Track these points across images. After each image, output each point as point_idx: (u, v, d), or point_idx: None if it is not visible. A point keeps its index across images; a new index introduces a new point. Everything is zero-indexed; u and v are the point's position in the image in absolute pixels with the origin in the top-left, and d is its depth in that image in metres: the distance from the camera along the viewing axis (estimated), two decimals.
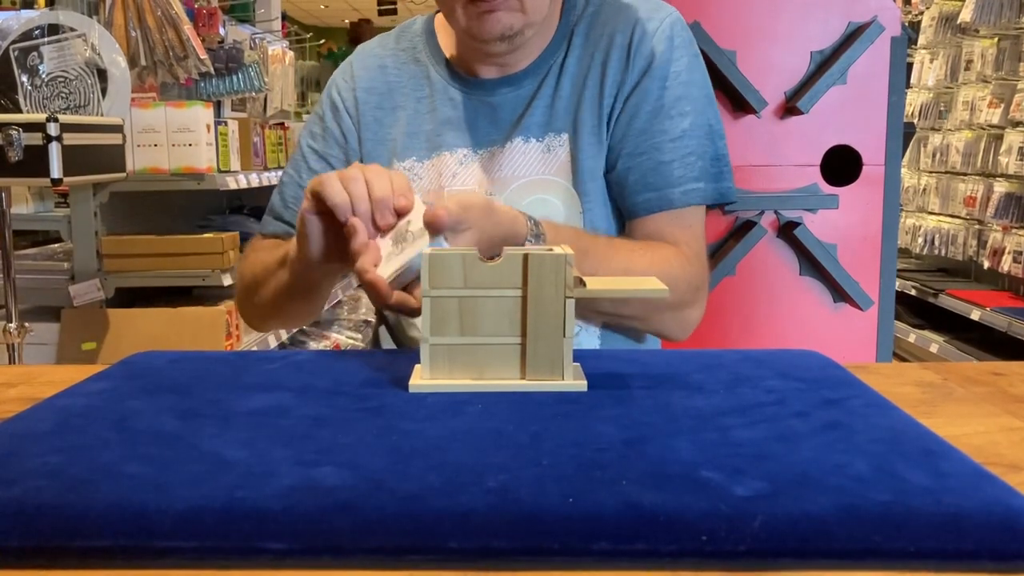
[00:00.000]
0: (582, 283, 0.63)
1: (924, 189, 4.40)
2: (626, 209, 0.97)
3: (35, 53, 2.11)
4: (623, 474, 0.46)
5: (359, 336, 3.70)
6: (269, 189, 1.41)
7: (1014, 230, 3.61)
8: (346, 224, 0.72)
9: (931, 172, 4.35)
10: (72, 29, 2.15)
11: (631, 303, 0.90)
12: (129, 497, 0.44)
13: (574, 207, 0.95)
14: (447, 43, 1.01)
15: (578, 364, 0.65)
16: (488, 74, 0.98)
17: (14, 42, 2.09)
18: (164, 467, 0.47)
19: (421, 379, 0.63)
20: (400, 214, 0.73)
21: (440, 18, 1.03)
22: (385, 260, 0.71)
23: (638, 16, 0.97)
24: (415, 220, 0.71)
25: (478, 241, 0.72)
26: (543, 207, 0.95)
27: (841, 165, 1.68)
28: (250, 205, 3.11)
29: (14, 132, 1.77)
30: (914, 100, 4.49)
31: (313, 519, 0.42)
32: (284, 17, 4.65)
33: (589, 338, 0.96)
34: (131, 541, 0.41)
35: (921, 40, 4.41)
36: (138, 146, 2.36)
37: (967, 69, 4.01)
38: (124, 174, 2.14)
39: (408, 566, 0.41)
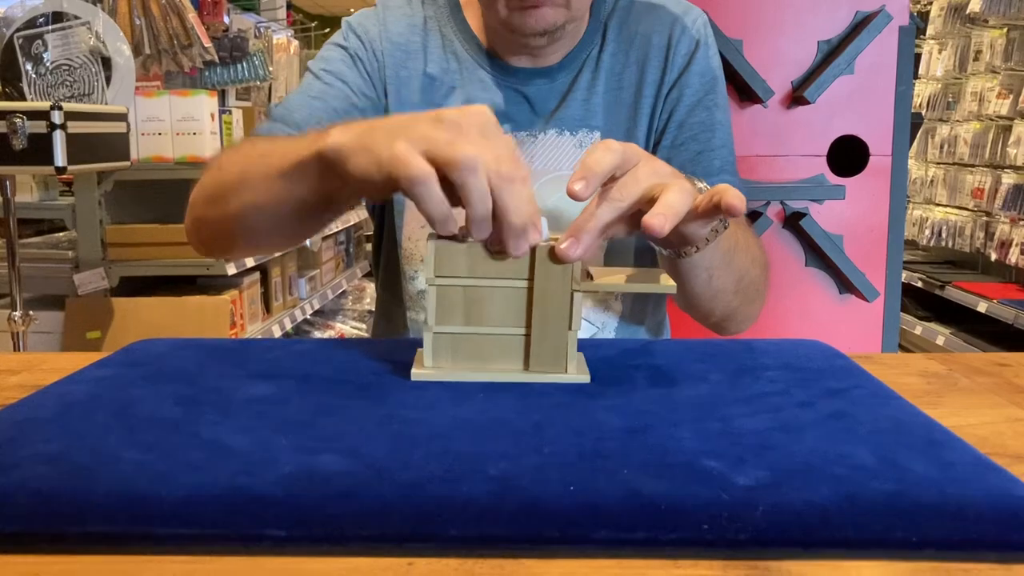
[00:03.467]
0: (589, 276, 0.63)
1: (932, 181, 4.38)
2: None
3: (39, 41, 2.10)
4: (625, 463, 0.46)
5: (363, 326, 3.70)
6: None
7: (1022, 222, 3.59)
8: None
9: (939, 163, 4.33)
10: (76, 17, 2.14)
11: (756, 274, 0.86)
12: (130, 483, 0.44)
13: None
14: (475, 23, 0.97)
15: (581, 354, 0.65)
16: (520, 63, 0.96)
17: (18, 30, 2.09)
18: (165, 454, 0.47)
19: (423, 368, 0.63)
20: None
21: None
22: None
23: (672, 16, 0.97)
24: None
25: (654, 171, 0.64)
26: (571, 203, 0.92)
27: (848, 155, 1.67)
28: None
29: (18, 120, 1.77)
30: (922, 91, 4.46)
31: (314, 506, 0.42)
32: (289, 6, 4.64)
33: (605, 335, 0.96)
34: (131, 527, 0.41)
35: (930, 30, 4.38)
36: (142, 135, 2.36)
37: (976, 60, 3.99)
38: (128, 163, 2.14)
39: (409, 553, 0.40)
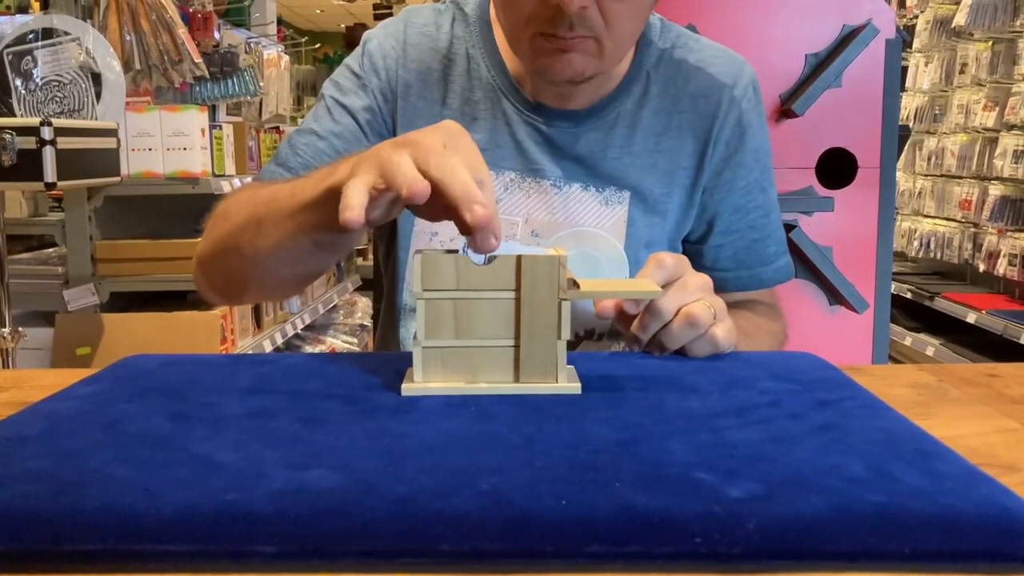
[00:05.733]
0: (576, 285, 0.63)
1: (920, 192, 4.41)
2: (715, 279, 0.91)
3: (29, 57, 2.10)
4: (616, 476, 0.46)
5: (355, 340, 3.69)
6: None
7: (1009, 233, 3.61)
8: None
9: (926, 175, 4.36)
10: (66, 33, 2.14)
11: None
12: (118, 500, 0.43)
13: (620, 271, 0.90)
14: (504, 45, 0.90)
15: (572, 367, 0.65)
16: (547, 100, 0.89)
17: (8, 46, 2.09)
18: (154, 470, 0.47)
19: (414, 382, 0.62)
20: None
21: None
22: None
23: (722, 81, 0.91)
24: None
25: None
26: (588, 263, 0.89)
27: (836, 168, 1.68)
28: None
29: (8, 136, 1.77)
30: (909, 103, 4.50)
31: (304, 522, 0.41)
32: (280, 22, 4.65)
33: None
34: (120, 544, 0.41)
35: (916, 44, 4.42)
36: (132, 150, 2.36)
37: (962, 72, 4.02)
38: (118, 178, 2.14)
39: (400, 569, 0.40)
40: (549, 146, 0.90)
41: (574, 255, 0.89)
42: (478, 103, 0.90)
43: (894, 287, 3.84)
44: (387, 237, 0.99)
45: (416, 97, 0.91)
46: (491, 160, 0.88)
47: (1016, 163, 3.54)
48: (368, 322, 3.86)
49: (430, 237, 0.91)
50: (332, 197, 0.62)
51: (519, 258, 0.61)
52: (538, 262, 0.61)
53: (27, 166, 1.79)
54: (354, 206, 0.57)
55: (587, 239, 0.89)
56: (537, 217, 0.89)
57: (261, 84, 3.29)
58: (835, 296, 1.68)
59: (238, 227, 0.78)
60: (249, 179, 2.67)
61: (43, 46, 2.12)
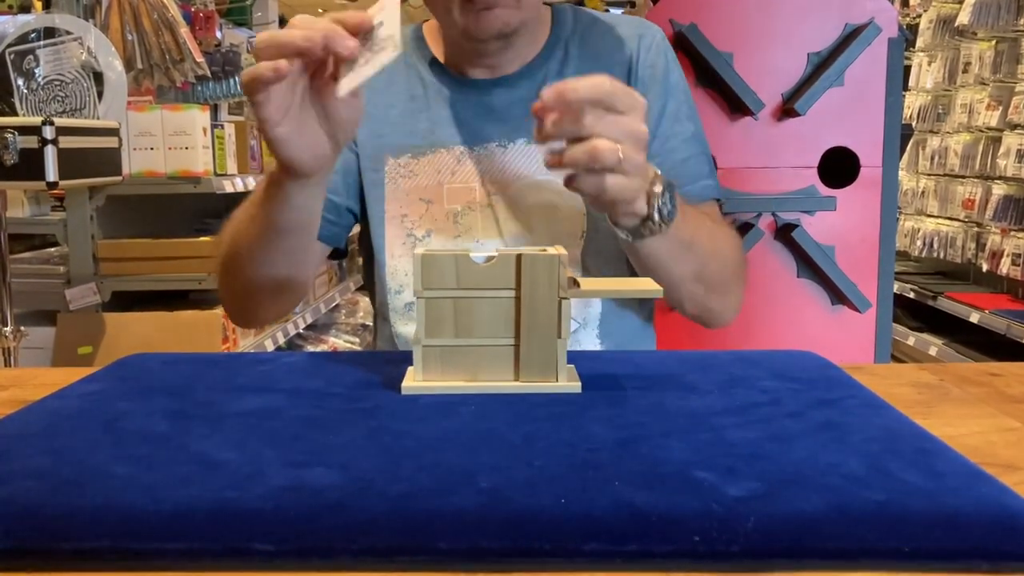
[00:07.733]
0: (576, 283, 0.63)
1: (923, 192, 4.40)
2: None
3: (31, 56, 2.10)
4: (616, 474, 0.46)
5: (356, 340, 3.69)
6: None
7: (1013, 232, 3.61)
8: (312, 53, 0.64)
9: (930, 175, 4.35)
10: (68, 32, 2.14)
11: (717, 267, 0.89)
12: (118, 498, 0.43)
13: (576, 210, 0.96)
14: (436, 48, 1.02)
15: (572, 366, 0.65)
16: (480, 75, 0.99)
17: (10, 45, 2.09)
18: (153, 468, 0.47)
19: (414, 381, 0.63)
20: (359, 30, 0.65)
21: (428, 26, 1.04)
22: (356, 70, 0.67)
23: (632, 33, 1.01)
24: (387, 23, 0.66)
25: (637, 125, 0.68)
26: (546, 209, 0.96)
27: (839, 167, 1.67)
28: None
29: (9, 135, 1.77)
30: (912, 103, 4.49)
31: (303, 520, 0.41)
32: (281, 21, 4.65)
33: (588, 336, 0.96)
34: (120, 542, 0.41)
35: (919, 43, 4.41)
36: (134, 149, 2.36)
37: (965, 72, 4.02)
38: (120, 177, 2.14)
39: (398, 567, 0.40)
40: (489, 113, 0.98)
41: (531, 204, 0.96)
42: (420, 97, 1.00)
43: (897, 287, 3.84)
44: (367, 243, 1.04)
45: (369, 104, 1.00)
46: (441, 139, 0.98)
47: (1019, 163, 3.53)
48: (370, 321, 3.86)
49: (401, 219, 0.99)
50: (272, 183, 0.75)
51: (519, 257, 0.61)
52: (538, 261, 0.61)
53: (29, 165, 1.79)
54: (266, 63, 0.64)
55: (540, 187, 0.97)
56: (491, 178, 0.97)
57: None
58: (837, 295, 1.68)
59: (229, 239, 0.88)
60: (250, 179, 2.68)
61: (45, 45, 2.12)
